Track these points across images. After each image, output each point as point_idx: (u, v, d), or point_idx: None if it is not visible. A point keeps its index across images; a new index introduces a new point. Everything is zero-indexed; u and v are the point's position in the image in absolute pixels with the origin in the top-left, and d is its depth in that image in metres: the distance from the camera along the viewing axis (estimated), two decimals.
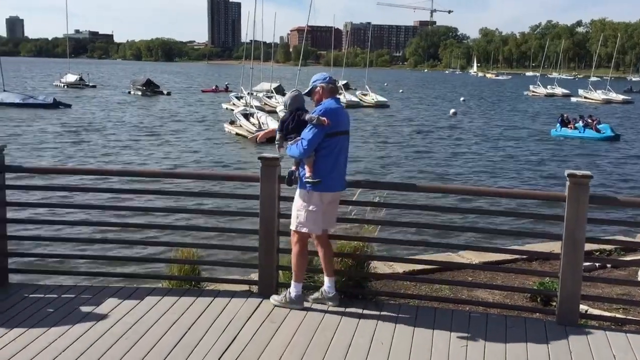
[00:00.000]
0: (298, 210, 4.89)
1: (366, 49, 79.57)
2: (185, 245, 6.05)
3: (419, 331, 4.66)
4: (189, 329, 4.61)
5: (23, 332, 4.47)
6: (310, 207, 4.83)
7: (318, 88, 4.91)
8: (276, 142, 4.98)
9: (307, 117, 4.74)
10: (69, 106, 41.00)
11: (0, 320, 4.64)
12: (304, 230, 4.90)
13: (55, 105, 40.29)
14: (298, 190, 4.91)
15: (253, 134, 22.95)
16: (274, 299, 5.11)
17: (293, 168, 4.90)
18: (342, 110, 4.88)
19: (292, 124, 4.85)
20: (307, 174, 4.76)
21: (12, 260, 5.71)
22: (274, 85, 49.15)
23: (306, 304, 5.07)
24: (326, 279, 5.08)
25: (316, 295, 5.11)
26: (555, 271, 5.26)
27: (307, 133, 4.72)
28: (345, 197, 5.38)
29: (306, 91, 5.00)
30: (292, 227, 4.95)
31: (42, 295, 5.19)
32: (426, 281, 6.39)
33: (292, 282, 5.03)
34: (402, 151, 25.67)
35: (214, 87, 67.50)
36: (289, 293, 5.03)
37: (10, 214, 5.63)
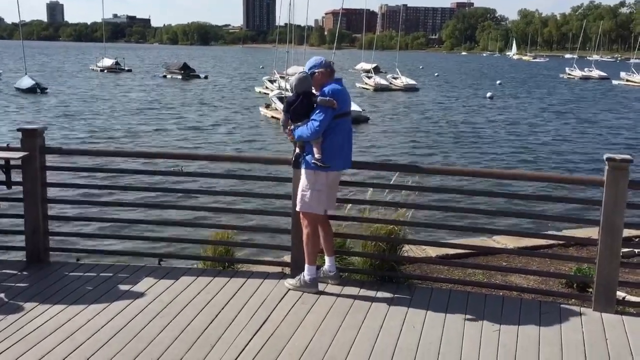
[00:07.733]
0: (303, 191, 4.90)
1: (401, 32, 78.46)
2: (219, 226, 6.12)
3: (451, 315, 4.64)
4: (223, 308, 4.69)
5: (64, 308, 4.61)
6: (317, 187, 4.85)
7: (317, 74, 4.89)
8: (281, 124, 5.03)
9: (318, 99, 4.75)
10: (45, 89, 40.45)
11: (42, 298, 4.80)
12: (310, 211, 4.91)
13: (34, 90, 39.58)
14: (304, 171, 4.90)
15: None
16: (289, 282, 5.13)
17: (298, 150, 4.91)
18: (346, 91, 4.91)
19: (299, 107, 4.83)
20: (317, 155, 4.77)
21: (52, 239, 5.88)
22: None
23: (335, 287, 5.10)
24: (327, 259, 5.17)
25: (317, 274, 5.12)
26: (592, 257, 5.16)
27: (317, 114, 4.72)
28: (380, 179, 5.35)
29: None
30: (299, 208, 4.96)
31: (81, 274, 5.33)
32: (459, 265, 6.34)
33: (306, 265, 5.03)
34: (434, 136, 25.40)
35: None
36: (303, 277, 5.04)
37: (51, 194, 5.79)
